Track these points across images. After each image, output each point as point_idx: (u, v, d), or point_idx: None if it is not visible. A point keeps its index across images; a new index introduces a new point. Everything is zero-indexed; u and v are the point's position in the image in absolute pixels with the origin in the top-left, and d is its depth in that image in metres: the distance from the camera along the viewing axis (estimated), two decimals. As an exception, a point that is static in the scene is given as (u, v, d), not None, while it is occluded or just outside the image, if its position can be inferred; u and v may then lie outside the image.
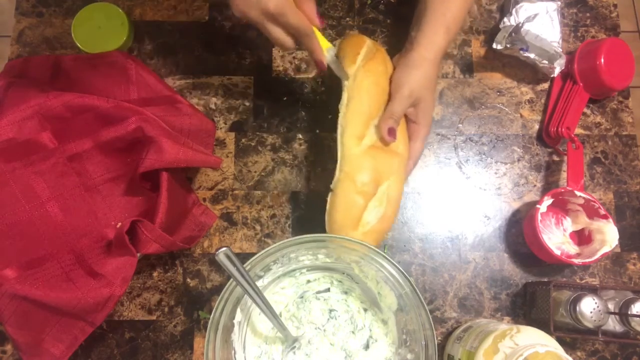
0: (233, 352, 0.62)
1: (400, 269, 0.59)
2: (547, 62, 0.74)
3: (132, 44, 0.77)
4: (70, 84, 0.69)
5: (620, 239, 0.68)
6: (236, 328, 0.62)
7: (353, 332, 0.66)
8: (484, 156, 0.75)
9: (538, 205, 0.67)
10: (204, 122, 0.71)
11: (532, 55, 0.74)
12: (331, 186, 0.62)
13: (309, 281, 0.69)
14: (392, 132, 0.62)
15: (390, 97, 0.64)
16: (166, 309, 0.69)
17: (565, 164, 0.72)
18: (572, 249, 0.71)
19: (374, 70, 0.63)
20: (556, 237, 0.71)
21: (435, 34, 0.65)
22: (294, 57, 0.77)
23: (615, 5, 0.81)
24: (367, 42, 0.66)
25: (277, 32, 0.58)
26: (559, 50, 0.74)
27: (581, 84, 0.74)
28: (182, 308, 0.69)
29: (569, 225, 0.73)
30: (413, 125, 0.66)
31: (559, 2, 0.77)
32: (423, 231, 0.72)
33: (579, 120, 0.76)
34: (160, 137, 0.63)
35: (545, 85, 0.78)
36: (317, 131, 0.75)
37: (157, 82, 0.72)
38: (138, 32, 0.77)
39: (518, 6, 0.76)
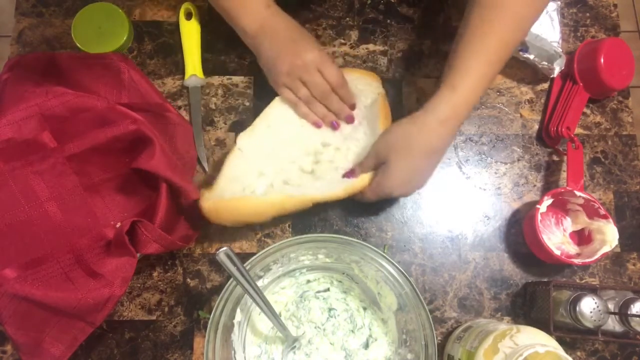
0: (233, 352, 0.62)
1: (400, 269, 0.59)
2: (546, 62, 0.74)
3: (132, 44, 0.77)
4: (63, 81, 0.69)
5: (620, 239, 0.68)
6: (236, 328, 0.62)
7: (352, 331, 0.66)
8: (483, 156, 0.75)
9: (538, 206, 0.67)
10: (188, 132, 0.72)
11: (531, 56, 0.74)
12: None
13: (309, 281, 0.69)
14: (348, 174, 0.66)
15: None
16: (166, 309, 0.69)
17: (565, 164, 0.72)
18: (572, 249, 0.71)
19: None
20: (556, 237, 0.71)
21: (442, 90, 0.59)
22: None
23: (615, 5, 0.81)
24: None
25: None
26: (559, 50, 0.74)
27: (581, 84, 0.74)
28: (182, 308, 0.69)
29: (568, 225, 0.73)
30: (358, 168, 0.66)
31: (559, 2, 0.77)
32: (423, 231, 0.72)
33: (579, 120, 0.76)
34: (155, 143, 0.63)
35: (545, 85, 0.78)
36: (317, 131, 0.75)
37: (149, 88, 0.72)
38: (138, 32, 0.77)
39: (518, 6, 0.76)
